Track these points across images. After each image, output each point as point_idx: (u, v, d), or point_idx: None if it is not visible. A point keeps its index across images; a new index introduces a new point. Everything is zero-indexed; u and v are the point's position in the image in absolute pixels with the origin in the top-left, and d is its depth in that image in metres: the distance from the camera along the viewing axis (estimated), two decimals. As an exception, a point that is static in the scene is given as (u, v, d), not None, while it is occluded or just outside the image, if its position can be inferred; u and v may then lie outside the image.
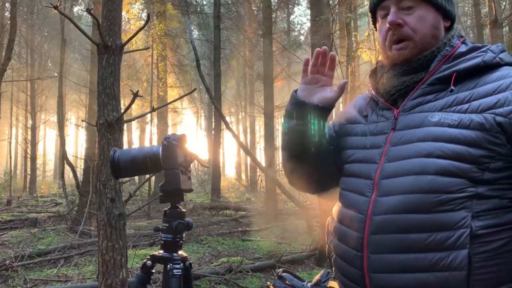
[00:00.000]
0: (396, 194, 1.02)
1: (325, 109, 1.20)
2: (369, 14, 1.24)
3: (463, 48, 1.10)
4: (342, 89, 1.19)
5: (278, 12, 20.61)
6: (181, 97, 4.75)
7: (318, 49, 1.18)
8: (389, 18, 1.11)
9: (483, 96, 1.00)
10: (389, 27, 1.11)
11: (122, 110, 2.94)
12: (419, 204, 0.98)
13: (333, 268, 1.21)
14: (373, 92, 1.22)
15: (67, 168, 10.06)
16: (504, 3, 13.52)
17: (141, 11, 17.12)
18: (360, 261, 1.05)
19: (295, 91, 1.24)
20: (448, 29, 1.15)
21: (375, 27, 1.24)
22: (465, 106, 1.01)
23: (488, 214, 0.95)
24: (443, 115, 1.02)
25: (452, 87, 1.04)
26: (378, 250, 1.02)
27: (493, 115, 0.96)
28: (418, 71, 1.11)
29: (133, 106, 13.82)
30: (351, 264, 1.09)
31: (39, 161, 23.10)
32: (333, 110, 1.27)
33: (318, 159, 1.24)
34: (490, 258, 0.94)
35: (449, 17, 1.14)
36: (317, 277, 2.17)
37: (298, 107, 1.20)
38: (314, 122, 1.19)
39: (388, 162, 1.06)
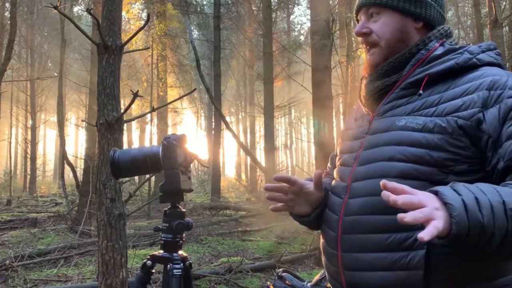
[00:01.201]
0: (362, 196, 1.06)
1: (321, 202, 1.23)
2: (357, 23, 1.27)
3: (439, 51, 1.08)
4: (319, 183, 1.19)
5: (278, 12, 20.62)
6: (181, 97, 4.75)
7: (268, 186, 1.24)
8: (356, 28, 1.18)
9: (450, 99, 1.00)
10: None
11: (122, 110, 2.94)
12: (381, 206, 0.98)
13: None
14: (359, 98, 1.25)
15: (67, 168, 10.06)
16: (504, 3, 13.52)
17: (141, 11, 17.13)
18: (336, 259, 1.11)
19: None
20: (430, 30, 1.14)
21: None
22: (432, 109, 1.01)
23: None
24: (410, 119, 1.03)
25: (421, 92, 1.05)
26: (349, 249, 1.07)
27: (455, 118, 0.96)
28: (390, 74, 1.13)
29: (133, 106, 13.83)
30: (330, 262, 1.15)
31: (39, 161, 23.11)
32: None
33: None
34: (449, 259, 0.94)
35: (421, 18, 1.13)
36: (317, 277, 2.17)
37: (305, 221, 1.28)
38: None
39: (359, 165, 1.11)
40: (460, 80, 1.03)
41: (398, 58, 1.12)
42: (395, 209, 0.96)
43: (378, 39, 1.14)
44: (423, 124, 1.00)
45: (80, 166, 13.00)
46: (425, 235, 0.76)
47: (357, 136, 1.18)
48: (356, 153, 1.13)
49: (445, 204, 0.81)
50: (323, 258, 1.22)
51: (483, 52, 1.06)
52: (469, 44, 1.11)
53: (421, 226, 0.93)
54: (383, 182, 0.84)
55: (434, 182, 0.96)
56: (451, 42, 1.12)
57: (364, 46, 1.18)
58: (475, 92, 0.98)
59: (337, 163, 1.25)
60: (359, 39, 1.20)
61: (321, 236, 1.25)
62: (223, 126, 11.72)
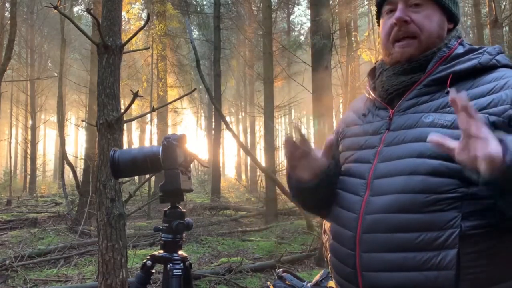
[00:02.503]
0: (387, 193, 1.03)
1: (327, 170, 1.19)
2: (375, 8, 1.24)
3: (460, 50, 1.09)
4: (330, 149, 1.17)
5: (278, 12, 20.61)
6: (181, 97, 4.76)
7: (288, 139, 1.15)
8: (397, 14, 1.10)
9: (478, 96, 1.00)
10: (394, 23, 1.11)
11: (122, 110, 2.94)
12: (409, 204, 0.98)
13: (330, 267, 1.22)
14: (370, 91, 1.22)
15: (67, 168, 10.05)
16: (504, 3, 13.53)
17: (141, 11, 17.11)
18: (352, 260, 1.07)
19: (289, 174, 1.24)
20: (450, 31, 1.15)
21: (378, 23, 1.24)
22: None
23: (479, 214, 0.95)
24: (437, 116, 1.02)
25: (448, 89, 1.04)
26: (370, 249, 1.03)
27: (486, 115, 0.96)
28: (416, 71, 1.11)
29: (133, 106, 13.82)
30: (344, 262, 1.10)
31: (39, 161, 23.10)
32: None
33: (330, 190, 1.24)
34: (479, 258, 0.94)
35: (453, 19, 1.14)
36: (317, 277, 2.17)
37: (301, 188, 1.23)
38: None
39: (381, 162, 1.07)
40: (482, 79, 1.03)
41: (427, 56, 1.10)
42: (425, 208, 0.97)
43: (418, 31, 1.10)
44: (452, 121, 0.99)
45: (80, 166, 13.00)
46: (482, 150, 0.78)
47: (371, 132, 1.14)
48: (376, 149, 1.10)
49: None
50: (332, 259, 1.18)
51: (498, 54, 1.08)
52: (484, 46, 1.12)
53: (452, 225, 0.94)
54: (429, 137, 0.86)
55: (464, 180, 0.95)
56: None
57: (396, 34, 1.12)
58: (501, 90, 0.99)
59: (346, 160, 1.20)
60: (387, 27, 1.14)
61: (329, 236, 1.21)
62: (223, 126, 11.72)
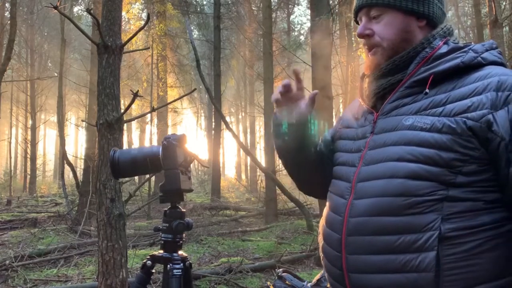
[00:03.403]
0: (369, 197, 1.04)
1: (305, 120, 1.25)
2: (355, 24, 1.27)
3: (443, 49, 1.07)
4: (313, 100, 1.23)
5: (278, 12, 20.61)
6: (181, 97, 4.76)
7: (285, 82, 1.21)
8: (358, 30, 1.15)
9: (458, 99, 0.99)
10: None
11: (122, 110, 2.94)
12: (389, 207, 0.99)
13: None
14: (360, 97, 1.24)
15: (67, 168, 10.06)
16: (504, 3, 13.52)
17: (141, 11, 17.10)
18: (339, 262, 1.08)
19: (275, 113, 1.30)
20: (433, 27, 1.13)
21: None
22: (440, 109, 1.00)
23: (460, 216, 0.95)
24: (417, 119, 1.02)
25: (427, 90, 1.03)
26: (355, 251, 1.05)
27: (464, 119, 0.95)
28: (395, 73, 1.11)
29: (133, 106, 13.82)
30: (333, 264, 1.12)
31: (39, 161, 23.11)
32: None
33: (315, 162, 1.31)
34: (461, 260, 0.94)
35: (423, 16, 1.12)
36: (317, 277, 2.17)
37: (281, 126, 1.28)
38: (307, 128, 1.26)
39: (365, 165, 1.09)
40: (466, 79, 1.02)
41: (403, 57, 1.10)
42: (404, 210, 0.97)
43: (380, 40, 1.12)
44: (431, 124, 0.99)
45: (80, 166, 13.00)
46: None
47: (360, 136, 1.16)
48: (361, 153, 1.11)
49: None
50: (323, 260, 1.20)
51: (486, 50, 1.06)
52: (471, 43, 1.10)
53: (431, 227, 0.94)
54: None
55: (443, 182, 0.96)
56: (453, 41, 1.12)
57: (366, 47, 1.16)
58: (483, 93, 0.97)
59: (336, 162, 1.23)
60: (361, 40, 1.19)
61: (320, 238, 1.23)
62: (223, 126, 11.71)
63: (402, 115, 1.06)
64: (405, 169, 0.99)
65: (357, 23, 1.22)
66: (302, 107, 1.23)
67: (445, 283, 0.94)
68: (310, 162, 1.31)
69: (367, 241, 1.02)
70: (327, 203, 1.22)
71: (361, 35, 1.14)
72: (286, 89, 1.20)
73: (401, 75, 1.10)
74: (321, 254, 1.22)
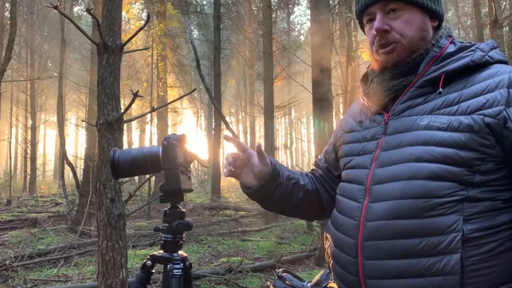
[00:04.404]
0: (387, 200, 1.01)
1: (270, 178, 1.23)
2: (357, 20, 1.22)
3: (451, 48, 1.08)
4: (261, 153, 1.20)
5: (278, 12, 20.62)
6: (181, 97, 4.76)
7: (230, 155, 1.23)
8: (375, 25, 1.09)
9: (472, 97, 0.99)
10: (375, 34, 1.10)
11: (122, 110, 2.94)
12: (410, 210, 0.97)
13: (332, 273, 1.21)
14: (364, 98, 1.21)
15: (67, 168, 10.05)
16: (504, 3, 13.52)
17: (141, 11, 17.11)
18: (355, 267, 1.05)
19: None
20: (437, 28, 1.14)
21: (364, 31, 1.23)
22: (454, 108, 0.99)
23: (480, 216, 0.94)
24: (432, 118, 1.01)
25: (441, 89, 1.03)
26: (372, 256, 1.02)
27: (481, 116, 0.95)
28: (407, 74, 1.10)
29: (133, 106, 13.82)
30: (347, 270, 1.09)
31: (39, 161, 23.12)
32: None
33: (312, 193, 1.33)
34: (483, 261, 0.93)
35: (436, 16, 1.12)
36: (317, 277, 2.17)
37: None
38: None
39: (379, 167, 1.06)
40: (476, 77, 1.02)
41: (415, 59, 1.09)
42: (426, 213, 0.95)
43: (399, 37, 1.08)
44: (448, 123, 0.98)
45: (80, 166, 13.00)
46: None
47: (369, 137, 1.13)
48: (373, 154, 1.09)
49: None
50: (334, 266, 1.16)
51: (491, 49, 1.06)
52: (470, 42, 1.10)
53: (454, 229, 0.93)
54: None
55: (462, 182, 0.95)
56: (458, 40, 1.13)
57: (378, 43, 1.11)
58: (496, 89, 0.97)
59: (345, 166, 1.21)
60: (370, 36, 1.13)
61: (329, 243, 1.20)
62: (223, 126, 11.71)
63: (416, 115, 1.04)
64: (425, 170, 0.97)
65: (360, 22, 1.20)
66: (257, 163, 1.21)
67: (469, 285, 0.93)
68: (305, 197, 1.30)
69: (387, 245, 0.99)
70: (336, 206, 1.20)
71: (380, 30, 1.08)
72: (234, 159, 1.22)
73: (413, 76, 1.09)
74: (329, 260, 1.19)
